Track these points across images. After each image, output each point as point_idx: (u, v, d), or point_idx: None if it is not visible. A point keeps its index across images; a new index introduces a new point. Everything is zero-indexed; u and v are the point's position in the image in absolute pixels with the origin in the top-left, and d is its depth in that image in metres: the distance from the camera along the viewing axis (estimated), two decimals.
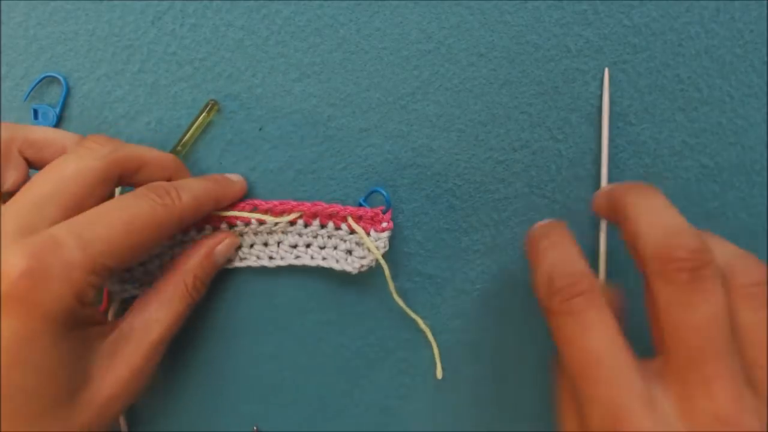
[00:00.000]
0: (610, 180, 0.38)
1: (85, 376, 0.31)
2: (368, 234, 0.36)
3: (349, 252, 0.37)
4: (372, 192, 0.38)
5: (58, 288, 0.28)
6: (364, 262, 0.37)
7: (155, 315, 0.33)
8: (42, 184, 0.30)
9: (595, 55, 0.37)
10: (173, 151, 0.37)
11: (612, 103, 0.38)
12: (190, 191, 0.34)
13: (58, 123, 0.38)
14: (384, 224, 0.36)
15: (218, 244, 0.36)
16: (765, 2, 0.37)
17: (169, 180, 0.35)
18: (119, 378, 0.31)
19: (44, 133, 0.35)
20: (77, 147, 0.33)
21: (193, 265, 0.35)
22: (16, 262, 0.27)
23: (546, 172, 0.38)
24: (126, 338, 0.33)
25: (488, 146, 0.38)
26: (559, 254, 0.30)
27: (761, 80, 0.38)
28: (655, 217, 0.29)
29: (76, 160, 0.31)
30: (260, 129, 0.38)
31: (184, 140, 0.37)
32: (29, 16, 0.37)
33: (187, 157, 0.38)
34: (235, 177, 0.37)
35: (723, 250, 0.29)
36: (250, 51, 0.38)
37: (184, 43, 0.37)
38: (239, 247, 0.38)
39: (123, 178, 0.33)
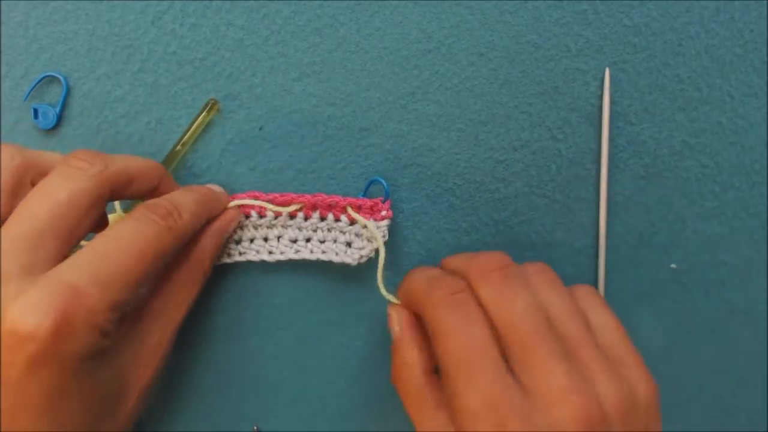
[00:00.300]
0: (611, 179, 0.38)
1: (120, 384, 0.31)
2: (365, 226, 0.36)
3: (349, 244, 0.37)
4: (372, 182, 0.38)
5: (84, 335, 0.27)
6: (363, 252, 0.37)
7: (178, 297, 0.34)
8: (36, 212, 0.29)
9: (595, 55, 0.37)
10: (173, 150, 0.37)
11: (612, 103, 0.38)
12: (188, 209, 0.33)
13: (58, 123, 0.38)
14: (383, 212, 0.36)
15: (228, 224, 0.36)
16: (765, 2, 0.37)
17: (156, 189, 0.35)
18: (148, 368, 0.32)
19: (54, 162, 0.33)
20: (64, 167, 0.31)
21: (208, 246, 0.35)
22: (40, 321, 0.26)
23: (546, 172, 0.38)
24: (150, 328, 0.33)
25: (488, 146, 0.38)
26: (428, 269, 0.34)
27: (761, 80, 0.38)
28: (457, 257, 0.35)
29: (67, 183, 0.30)
30: (260, 129, 0.38)
31: (184, 140, 0.37)
32: (29, 16, 0.37)
33: (187, 157, 0.38)
34: (218, 188, 0.37)
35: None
36: (250, 51, 0.38)
37: (184, 43, 0.37)
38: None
39: (114, 195, 0.32)
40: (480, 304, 0.31)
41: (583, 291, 0.34)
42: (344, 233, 0.37)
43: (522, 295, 0.30)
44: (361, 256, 0.37)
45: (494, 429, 0.27)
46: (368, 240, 0.37)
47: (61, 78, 0.37)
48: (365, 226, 0.36)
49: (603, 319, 0.33)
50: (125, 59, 0.38)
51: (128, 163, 0.33)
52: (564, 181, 0.38)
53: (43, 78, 0.38)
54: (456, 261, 0.34)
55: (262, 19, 0.37)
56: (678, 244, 0.39)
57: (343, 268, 0.37)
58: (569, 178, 0.38)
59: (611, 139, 0.38)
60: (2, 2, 0.37)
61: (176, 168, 0.38)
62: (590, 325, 0.32)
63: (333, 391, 0.40)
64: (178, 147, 0.37)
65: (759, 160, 0.39)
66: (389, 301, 0.36)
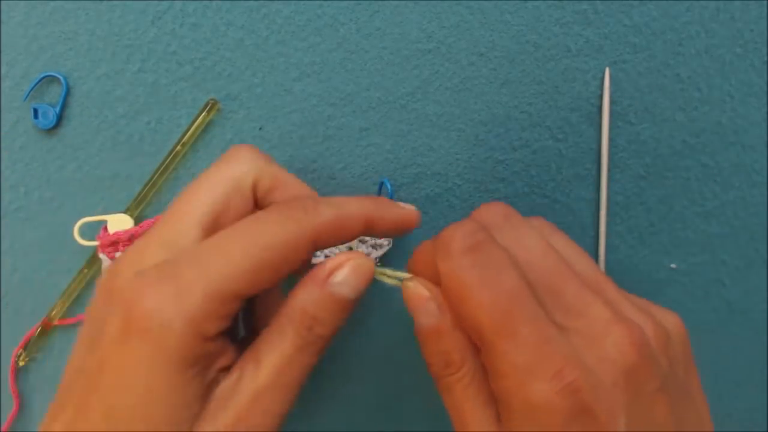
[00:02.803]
0: (610, 180, 0.38)
1: (199, 415, 0.27)
2: None
3: (350, 248, 0.37)
4: (381, 184, 0.37)
5: (174, 319, 0.25)
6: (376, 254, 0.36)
7: (258, 357, 0.28)
8: (233, 246, 0.26)
9: (595, 55, 0.37)
10: (173, 151, 0.37)
11: (612, 103, 0.38)
12: (332, 205, 0.28)
13: (58, 123, 0.38)
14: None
15: (334, 271, 0.28)
16: (765, 2, 0.37)
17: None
18: (226, 425, 0.26)
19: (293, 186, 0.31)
20: (284, 208, 0.28)
21: (301, 299, 0.28)
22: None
23: (546, 172, 0.38)
24: (235, 381, 0.27)
25: (488, 145, 0.38)
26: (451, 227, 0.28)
27: (761, 80, 0.38)
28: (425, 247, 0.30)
29: (274, 227, 0.27)
30: (260, 129, 0.38)
31: (184, 140, 0.37)
32: (29, 16, 0.37)
33: (187, 157, 0.38)
34: (406, 205, 0.31)
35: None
36: (250, 51, 0.38)
37: (184, 43, 0.37)
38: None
39: (321, 245, 0.28)
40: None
41: (537, 223, 0.31)
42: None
43: (537, 237, 0.28)
44: (376, 259, 0.36)
45: (552, 382, 0.24)
46: (373, 246, 0.36)
47: (61, 78, 0.37)
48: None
49: (569, 248, 0.30)
50: (125, 59, 0.38)
51: (341, 211, 0.28)
52: (564, 181, 0.38)
53: (43, 78, 0.38)
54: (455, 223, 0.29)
55: (262, 19, 0.37)
56: (678, 244, 0.39)
57: None
58: (569, 178, 0.38)
59: (611, 139, 0.38)
60: (2, 2, 0.37)
61: (176, 168, 0.38)
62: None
63: (333, 391, 0.40)
64: (178, 147, 0.37)
65: (759, 160, 0.39)
66: (403, 280, 0.29)
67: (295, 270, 0.28)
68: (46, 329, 0.38)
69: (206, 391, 0.26)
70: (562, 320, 0.26)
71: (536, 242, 0.28)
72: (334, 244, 0.29)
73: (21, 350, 0.39)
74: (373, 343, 0.40)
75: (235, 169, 0.30)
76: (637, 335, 0.25)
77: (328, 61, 0.38)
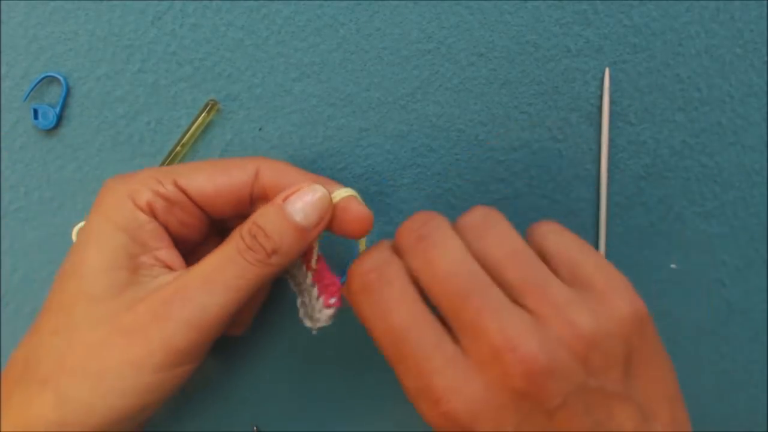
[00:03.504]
0: (610, 180, 0.38)
1: (116, 294, 0.29)
2: (318, 297, 0.32)
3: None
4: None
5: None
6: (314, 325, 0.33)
7: (198, 263, 0.30)
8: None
9: (595, 55, 0.37)
10: (173, 151, 0.37)
11: (612, 103, 0.38)
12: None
13: (58, 123, 0.38)
14: (332, 300, 0.32)
15: (291, 195, 0.30)
16: (765, 2, 0.37)
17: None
18: (137, 315, 0.28)
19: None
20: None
21: (255, 214, 0.30)
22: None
23: (546, 173, 0.38)
24: (165, 282, 0.29)
25: (488, 146, 0.38)
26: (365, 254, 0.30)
27: (761, 80, 0.38)
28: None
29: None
30: (260, 129, 0.38)
31: (183, 140, 0.37)
32: (29, 16, 0.37)
33: (186, 157, 0.38)
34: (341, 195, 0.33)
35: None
36: (250, 51, 0.38)
37: (184, 43, 0.37)
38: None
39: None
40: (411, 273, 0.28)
41: (542, 224, 0.31)
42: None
43: (442, 254, 0.28)
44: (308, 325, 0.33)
45: (430, 409, 0.27)
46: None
47: (61, 78, 0.37)
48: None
49: (563, 242, 0.30)
50: (125, 59, 0.38)
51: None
52: (564, 181, 0.38)
53: (43, 78, 0.38)
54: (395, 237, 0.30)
55: (262, 19, 0.37)
56: (678, 244, 0.39)
57: (343, 267, 0.37)
58: (569, 178, 0.38)
59: (611, 139, 0.38)
60: (2, 2, 0.37)
61: None
62: (547, 254, 0.29)
63: (333, 391, 0.40)
64: (178, 147, 0.37)
65: (759, 160, 0.39)
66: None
67: (238, 199, 0.31)
68: None
69: (135, 267, 0.30)
70: (465, 342, 0.27)
71: (443, 261, 0.27)
72: (277, 188, 0.31)
73: None
74: (373, 344, 0.40)
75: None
76: (526, 366, 0.25)
77: (328, 62, 0.38)
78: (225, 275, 0.29)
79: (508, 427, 0.26)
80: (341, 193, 0.31)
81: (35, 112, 0.38)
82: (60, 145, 0.38)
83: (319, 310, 0.32)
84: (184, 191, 0.31)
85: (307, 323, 0.33)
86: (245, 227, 0.30)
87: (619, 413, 0.27)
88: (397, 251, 0.29)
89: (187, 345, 0.28)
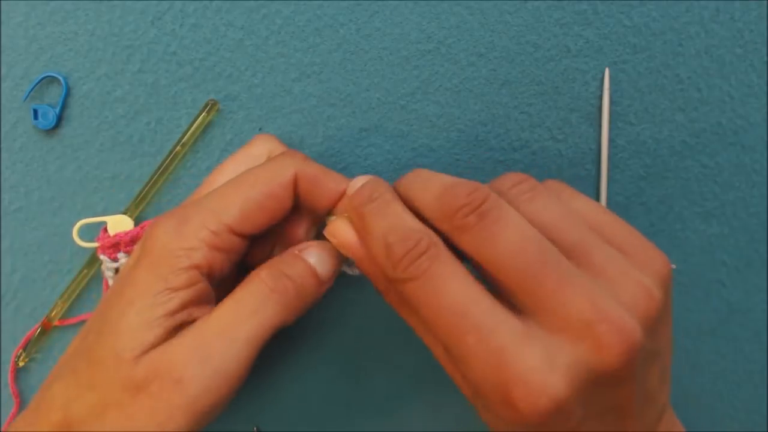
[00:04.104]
0: (610, 180, 0.38)
1: (148, 349, 0.29)
2: None
3: None
4: None
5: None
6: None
7: (215, 309, 0.29)
8: (227, 187, 0.31)
9: (595, 55, 0.37)
10: (173, 151, 0.37)
11: (612, 103, 0.38)
12: (318, 166, 0.31)
13: (58, 123, 0.38)
14: None
15: (307, 249, 0.31)
16: (765, 2, 0.37)
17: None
18: (158, 373, 0.28)
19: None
20: (275, 156, 0.32)
21: (273, 261, 0.31)
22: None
23: (546, 172, 0.38)
24: (185, 332, 0.29)
25: (488, 146, 0.38)
26: (388, 218, 0.28)
27: (761, 80, 0.38)
28: (423, 186, 0.29)
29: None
30: (260, 129, 0.38)
31: (183, 140, 0.37)
32: (29, 16, 0.37)
33: (186, 157, 0.38)
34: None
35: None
36: (250, 51, 0.38)
37: (184, 43, 0.37)
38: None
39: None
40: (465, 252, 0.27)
41: (556, 184, 0.31)
42: None
43: (507, 229, 0.25)
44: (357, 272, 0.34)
45: (506, 400, 0.24)
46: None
47: (61, 78, 0.37)
48: None
49: (587, 205, 0.29)
50: (125, 59, 0.38)
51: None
52: (564, 181, 0.38)
53: (43, 78, 0.38)
54: (430, 203, 0.28)
55: (262, 20, 0.37)
56: (678, 244, 0.39)
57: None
58: (569, 178, 0.38)
59: (611, 140, 0.38)
60: (2, 2, 0.37)
61: (176, 169, 0.38)
62: (582, 216, 0.28)
63: (333, 391, 0.40)
64: (178, 148, 0.37)
65: (759, 160, 0.39)
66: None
67: (284, 213, 0.31)
68: (46, 329, 0.38)
69: (173, 324, 0.28)
70: (540, 320, 0.25)
71: (504, 237, 0.26)
72: (314, 198, 0.31)
73: (21, 350, 0.39)
74: (373, 344, 0.40)
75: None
76: (624, 337, 0.24)
77: (328, 62, 0.38)
78: (248, 326, 0.29)
79: (580, 407, 0.24)
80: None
81: (35, 112, 0.38)
82: (60, 145, 0.38)
83: None
84: (237, 233, 0.30)
85: (356, 270, 0.34)
86: (264, 271, 0.30)
87: (654, 372, 0.27)
88: (445, 230, 0.27)
89: (211, 403, 0.28)
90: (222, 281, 0.31)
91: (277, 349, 0.40)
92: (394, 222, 0.28)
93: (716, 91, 0.38)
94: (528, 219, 0.26)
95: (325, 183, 0.31)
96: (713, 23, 0.37)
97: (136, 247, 0.31)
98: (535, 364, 0.24)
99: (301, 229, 0.33)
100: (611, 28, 0.37)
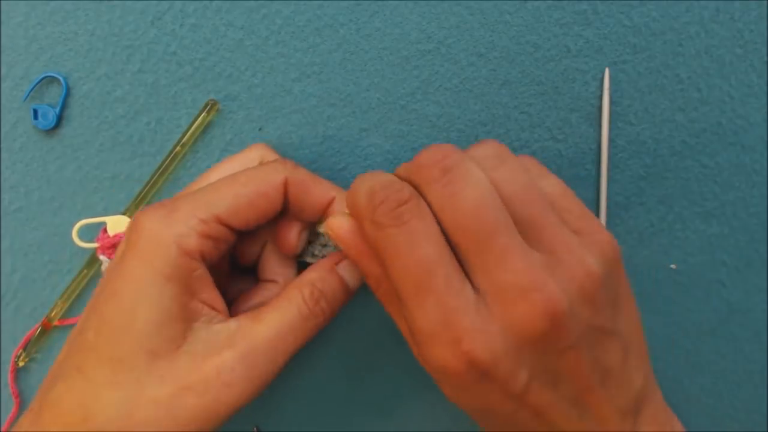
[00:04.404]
0: (610, 180, 0.38)
1: (175, 348, 0.30)
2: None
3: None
4: None
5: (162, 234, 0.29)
6: None
7: (260, 316, 0.31)
8: (219, 183, 0.32)
9: (595, 55, 0.37)
10: (172, 151, 0.38)
11: (612, 103, 0.38)
12: (308, 173, 0.33)
13: (58, 123, 0.38)
14: None
15: (339, 262, 0.33)
16: (765, 2, 0.37)
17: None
18: (204, 373, 0.29)
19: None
20: (269, 162, 0.33)
21: (311, 276, 0.32)
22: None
23: None
24: (233, 330, 0.30)
25: None
26: (375, 175, 0.29)
27: (761, 80, 0.38)
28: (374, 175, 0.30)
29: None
30: (260, 129, 0.38)
31: (183, 140, 0.37)
32: (29, 16, 0.37)
33: (186, 157, 0.38)
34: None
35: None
36: (250, 51, 0.38)
37: (184, 43, 0.37)
38: None
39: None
40: (430, 208, 0.28)
41: (527, 160, 0.32)
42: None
43: (468, 187, 0.27)
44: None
45: (449, 348, 0.26)
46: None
47: (61, 78, 0.37)
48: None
49: (552, 185, 0.31)
50: (125, 59, 0.38)
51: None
52: (564, 181, 0.38)
53: (43, 78, 0.38)
54: (403, 166, 0.30)
55: (262, 20, 0.37)
56: (678, 244, 0.39)
57: None
58: (569, 178, 0.38)
59: (611, 140, 0.38)
60: (2, 2, 0.37)
61: (176, 168, 0.38)
62: (544, 194, 0.30)
63: (333, 391, 0.40)
64: (178, 148, 0.37)
65: (759, 160, 0.39)
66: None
67: (273, 214, 0.32)
68: (46, 329, 0.38)
69: (187, 315, 0.30)
70: (483, 283, 0.27)
71: (468, 196, 0.27)
72: (303, 203, 0.32)
73: (21, 350, 0.39)
74: (373, 344, 0.40)
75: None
76: (554, 304, 0.26)
77: (328, 62, 0.38)
78: (287, 343, 0.31)
79: (523, 369, 0.27)
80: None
81: (35, 112, 0.38)
82: (60, 145, 0.38)
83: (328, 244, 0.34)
84: (225, 224, 0.31)
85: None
86: (308, 290, 0.32)
87: (612, 349, 0.28)
88: (415, 184, 0.29)
89: (247, 402, 0.30)
90: (213, 273, 0.32)
91: None
92: (380, 176, 0.29)
93: (716, 91, 0.38)
94: (493, 184, 0.28)
95: (314, 189, 0.32)
96: (713, 23, 0.37)
97: (123, 240, 0.31)
98: (479, 326, 0.26)
99: (292, 232, 0.34)
100: (611, 28, 0.37)
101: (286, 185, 0.32)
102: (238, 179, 0.31)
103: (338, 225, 0.31)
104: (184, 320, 0.30)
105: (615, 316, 0.29)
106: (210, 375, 0.29)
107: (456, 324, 0.26)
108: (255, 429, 0.40)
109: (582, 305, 0.27)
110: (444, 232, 0.28)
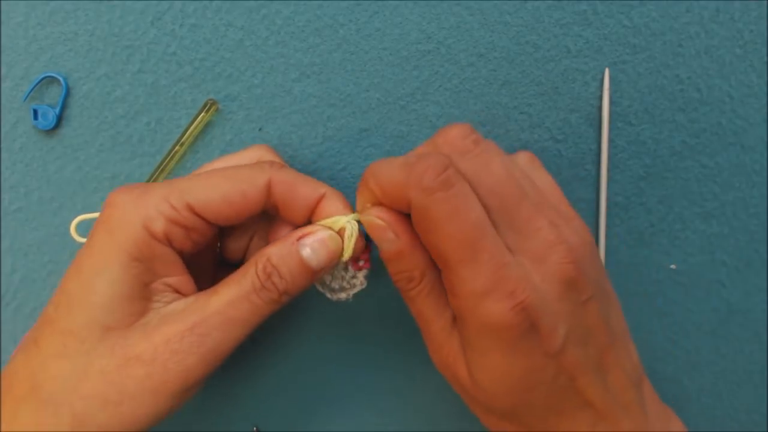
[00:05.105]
0: (610, 180, 0.38)
1: (130, 323, 0.30)
2: (346, 268, 0.34)
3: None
4: None
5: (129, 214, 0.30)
6: (341, 296, 0.34)
7: (216, 289, 0.31)
8: (198, 174, 0.32)
9: (595, 55, 0.37)
10: (172, 151, 0.38)
11: (612, 103, 0.38)
12: (295, 174, 0.32)
13: (58, 123, 0.38)
14: (360, 262, 0.33)
15: (306, 235, 0.31)
16: (765, 2, 0.37)
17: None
18: (153, 342, 0.29)
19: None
20: (256, 162, 0.33)
21: (269, 250, 0.31)
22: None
23: None
24: (189, 303, 0.30)
25: None
26: (392, 159, 0.30)
27: (761, 80, 0.38)
28: (387, 169, 0.30)
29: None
30: (260, 129, 0.38)
31: (182, 140, 0.37)
32: (29, 16, 0.37)
33: (186, 157, 0.38)
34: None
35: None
36: (249, 51, 0.38)
37: (184, 43, 0.37)
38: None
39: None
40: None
41: (524, 156, 0.34)
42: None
43: (497, 157, 0.30)
44: (343, 297, 0.34)
45: (505, 301, 0.27)
46: (347, 285, 0.34)
47: (61, 79, 0.37)
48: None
49: (544, 180, 0.33)
50: (125, 59, 0.38)
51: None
52: (564, 181, 0.38)
53: (43, 78, 0.38)
54: (428, 143, 0.32)
55: (261, 20, 0.37)
56: (678, 244, 0.39)
57: None
58: (569, 178, 0.38)
59: (611, 140, 0.38)
60: (2, 2, 0.37)
61: (175, 168, 0.38)
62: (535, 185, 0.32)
63: (333, 391, 0.40)
64: (177, 147, 0.37)
65: (759, 160, 0.39)
66: (356, 214, 0.32)
67: (251, 212, 0.31)
68: None
69: (147, 294, 0.30)
70: (514, 242, 0.29)
71: (499, 165, 0.30)
72: (291, 203, 0.32)
73: None
74: (373, 344, 0.40)
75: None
76: (574, 253, 0.29)
77: (328, 62, 0.37)
78: (241, 313, 0.30)
79: (561, 323, 0.28)
80: (340, 221, 0.32)
81: (35, 112, 0.38)
82: (60, 145, 0.38)
83: (351, 276, 0.33)
84: (197, 214, 0.30)
85: (341, 295, 0.34)
86: (260, 264, 0.31)
87: (613, 311, 0.31)
88: (446, 150, 0.30)
89: (202, 375, 0.30)
90: (197, 269, 0.32)
91: (276, 350, 0.40)
92: (398, 159, 0.30)
93: (716, 91, 0.38)
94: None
95: (300, 189, 0.32)
96: (713, 23, 0.37)
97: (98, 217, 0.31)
98: (526, 277, 0.28)
99: (283, 233, 0.33)
100: (611, 28, 0.37)
101: (270, 186, 0.31)
102: (219, 173, 0.31)
103: (377, 213, 0.30)
104: (144, 299, 0.30)
105: (606, 284, 0.32)
106: (158, 344, 0.29)
107: (509, 277, 0.28)
108: (255, 429, 0.40)
109: (590, 262, 0.30)
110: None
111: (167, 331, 0.29)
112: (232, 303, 0.30)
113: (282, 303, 0.31)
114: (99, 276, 0.29)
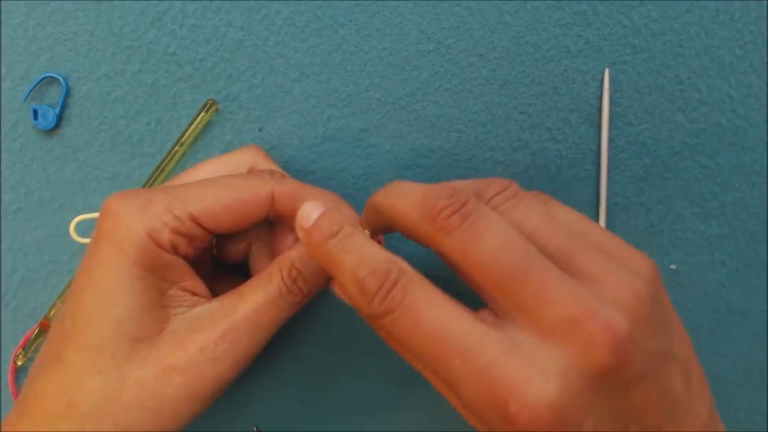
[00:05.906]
0: (610, 180, 0.38)
1: (157, 332, 0.30)
2: None
3: None
4: None
5: (133, 222, 0.29)
6: None
7: (242, 294, 0.31)
8: (201, 183, 0.32)
9: (595, 56, 0.37)
10: (171, 151, 0.38)
11: (612, 103, 0.38)
12: (297, 183, 0.32)
13: (58, 124, 0.38)
14: None
15: None
16: (765, 2, 0.37)
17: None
18: (187, 351, 0.30)
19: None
20: (257, 171, 0.33)
21: (291, 255, 0.32)
22: None
23: (546, 173, 0.38)
24: (214, 309, 0.31)
25: (488, 147, 0.38)
26: (354, 252, 0.28)
27: (761, 80, 0.38)
28: (405, 192, 0.28)
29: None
30: (260, 129, 0.38)
31: (182, 140, 0.37)
32: (29, 16, 0.37)
33: (186, 157, 0.38)
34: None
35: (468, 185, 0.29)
36: (249, 51, 0.38)
37: (184, 43, 0.37)
38: None
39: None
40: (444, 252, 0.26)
41: (540, 196, 0.31)
42: None
43: (485, 230, 0.25)
44: None
45: (503, 422, 0.23)
46: None
47: (61, 79, 0.37)
48: None
49: (570, 215, 0.29)
50: (125, 59, 0.38)
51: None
52: (564, 182, 0.38)
53: (43, 78, 0.38)
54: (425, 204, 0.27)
55: (261, 20, 0.37)
56: (678, 244, 0.39)
57: None
58: (569, 179, 0.38)
59: (611, 140, 0.38)
60: (2, 2, 0.37)
61: (175, 168, 0.38)
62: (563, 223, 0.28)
63: (333, 391, 0.40)
64: (177, 147, 0.37)
65: (759, 160, 0.39)
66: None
67: (252, 222, 0.32)
68: (45, 329, 0.38)
69: (166, 302, 0.30)
70: (523, 323, 0.25)
71: (489, 237, 0.25)
72: (290, 212, 0.32)
73: (20, 350, 0.39)
74: (373, 344, 0.40)
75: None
76: (610, 332, 0.23)
77: (328, 62, 0.38)
78: (269, 317, 0.31)
79: (586, 412, 0.23)
80: None
81: (35, 112, 0.38)
82: (60, 146, 0.38)
83: None
84: (200, 224, 0.31)
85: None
86: (285, 269, 0.31)
87: (675, 376, 0.26)
88: (426, 230, 0.26)
89: (233, 378, 0.31)
90: (196, 269, 0.32)
91: (276, 349, 0.40)
92: (360, 255, 0.27)
93: (716, 91, 0.38)
94: (512, 224, 0.26)
95: (304, 199, 0.31)
96: (713, 23, 0.37)
97: (96, 226, 0.31)
98: (525, 374, 0.23)
99: (287, 241, 0.34)
100: (611, 28, 0.37)
101: (273, 197, 0.32)
102: (222, 183, 0.31)
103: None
104: (165, 306, 0.30)
105: (670, 339, 0.26)
106: (193, 352, 0.30)
107: (499, 382, 0.23)
108: (255, 429, 0.40)
109: (640, 329, 0.24)
110: (471, 281, 0.26)
111: (199, 339, 0.30)
112: (259, 308, 0.31)
113: (303, 304, 0.32)
114: (116, 289, 0.29)
